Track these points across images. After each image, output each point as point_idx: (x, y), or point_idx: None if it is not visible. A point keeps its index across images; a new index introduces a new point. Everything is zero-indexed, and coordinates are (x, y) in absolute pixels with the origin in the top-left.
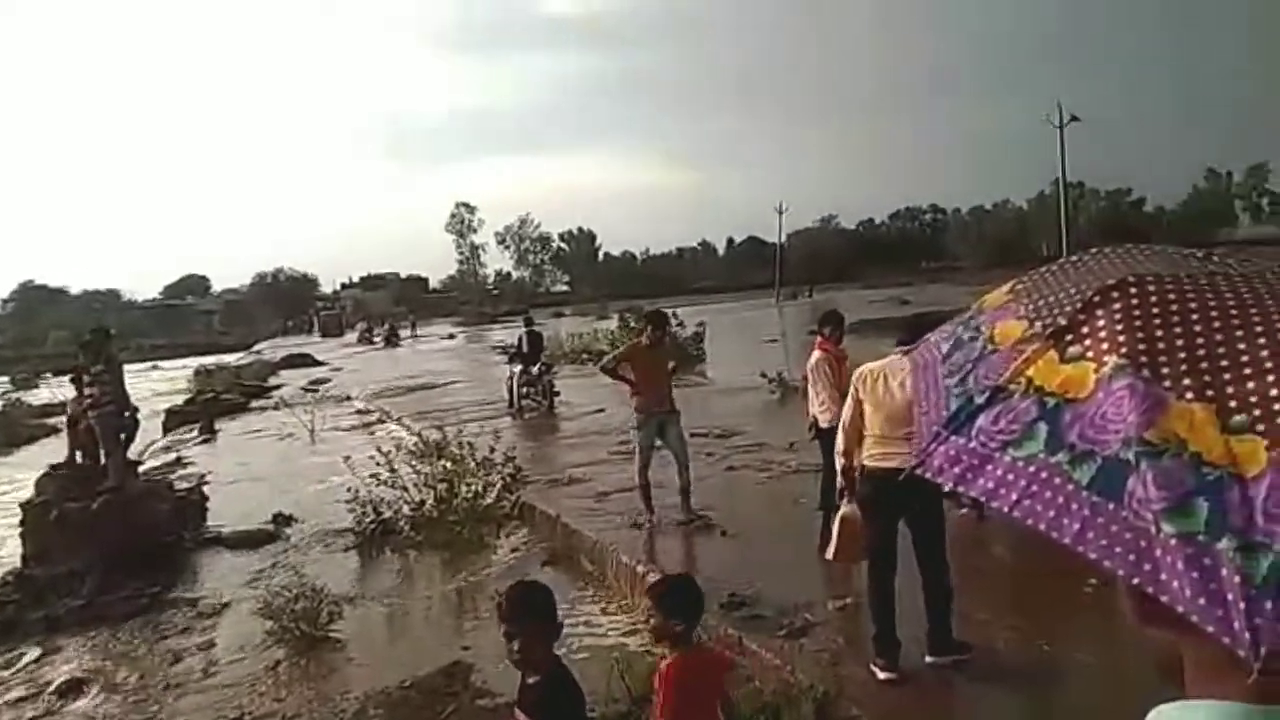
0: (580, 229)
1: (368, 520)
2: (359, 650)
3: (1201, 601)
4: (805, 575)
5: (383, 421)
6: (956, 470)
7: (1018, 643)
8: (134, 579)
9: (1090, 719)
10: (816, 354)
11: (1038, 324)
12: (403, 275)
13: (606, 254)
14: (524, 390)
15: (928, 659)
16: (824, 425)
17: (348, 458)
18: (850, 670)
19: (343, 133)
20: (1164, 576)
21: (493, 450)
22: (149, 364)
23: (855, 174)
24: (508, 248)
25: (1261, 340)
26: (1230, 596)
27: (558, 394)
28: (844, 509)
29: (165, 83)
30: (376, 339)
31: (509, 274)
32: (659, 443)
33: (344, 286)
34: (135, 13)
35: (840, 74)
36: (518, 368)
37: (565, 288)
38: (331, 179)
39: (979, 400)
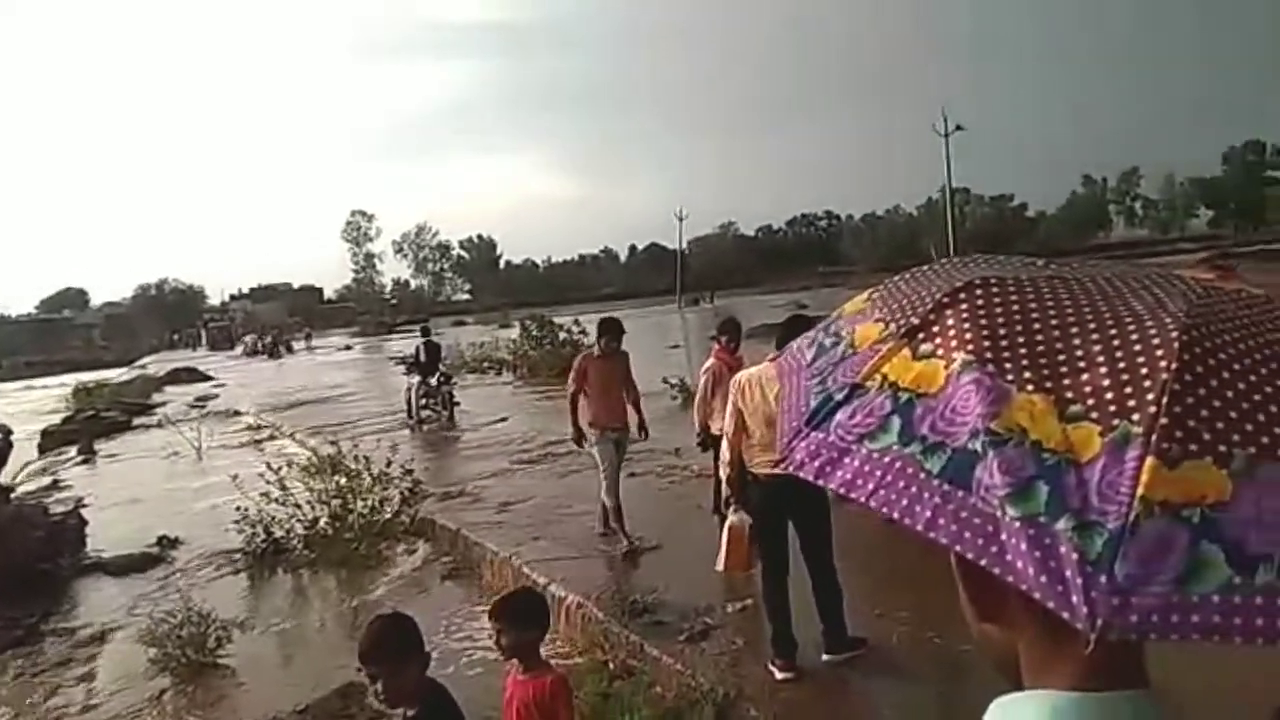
0: (481, 236)
1: (258, 540)
2: (250, 675)
3: (1043, 579)
4: (706, 579)
5: (274, 437)
6: (817, 464)
7: (911, 637)
8: (7, 609)
9: (979, 710)
10: (711, 361)
11: (892, 325)
12: (296, 285)
13: (508, 262)
14: (423, 401)
15: (824, 657)
16: (715, 432)
17: (236, 476)
18: (749, 671)
19: (233, 140)
20: (1009, 557)
21: (390, 463)
22: (23, 382)
23: (753, 182)
24: (405, 256)
25: (1094, 336)
26: (1069, 573)
27: (458, 404)
28: (731, 518)
29: (35, 88)
30: (263, 351)
31: (407, 283)
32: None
33: (233, 298)
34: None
35: (739, 83)
36: (416, 379)
37: (466, 296)
38: (220, 187)
39: (838, 397)
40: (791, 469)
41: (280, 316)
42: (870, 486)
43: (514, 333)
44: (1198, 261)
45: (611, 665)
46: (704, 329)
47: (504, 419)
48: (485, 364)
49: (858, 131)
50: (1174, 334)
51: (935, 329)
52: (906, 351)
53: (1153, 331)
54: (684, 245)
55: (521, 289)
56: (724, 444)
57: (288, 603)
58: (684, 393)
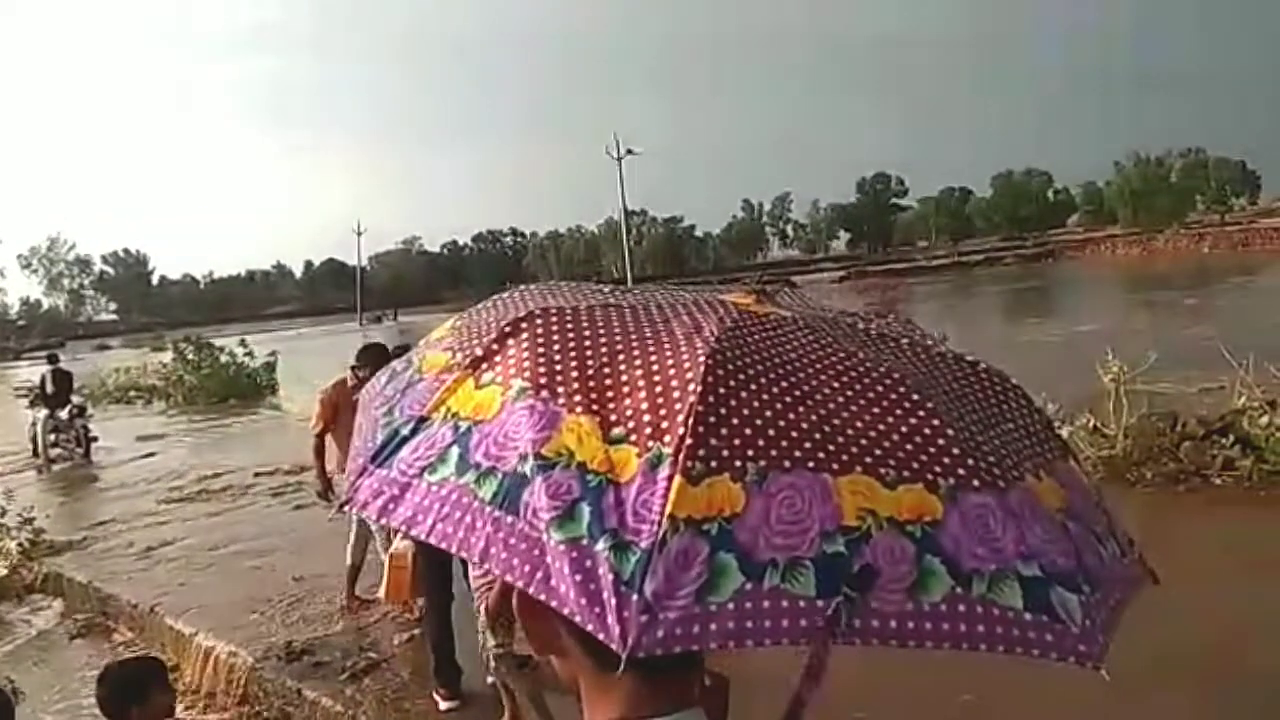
0: (128, 250)
1: None
2: None
3: (583, 602)
4: (370, 613)
5: None
6: (380, 502)
7: None
8: None
9: None
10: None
11: (459, 354)
12: None
13: (163, 278)
14: (51, 438)
15: (489, 680)
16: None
17: None
18: (414, 704)
19: None
20: (553, 582)
21: (3, 512)
22: None
23: (439, 198)
24: (35, 272)
25: (638, 361)
26: (605, 594)
27: (95, 439)
28: (393, 546)
29: None
30: None
31: (38, 302)
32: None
33: None
34: None
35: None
36: (43, 412)
37: (112, 316)
38: None
39: (404, 432)
40: (355, 509)
41: None
42: (430, 521)
43: (167, 356)
44: (743, 286)
45: (265, 715)
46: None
47: (152, 454)
48: (132, 392)
49: (544, 152)
50: (702, 359)
51: (497, 358)
52: (470, 382)
53: (685, 357)
54: (365, 261)
55: (179, 307)
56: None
57: None
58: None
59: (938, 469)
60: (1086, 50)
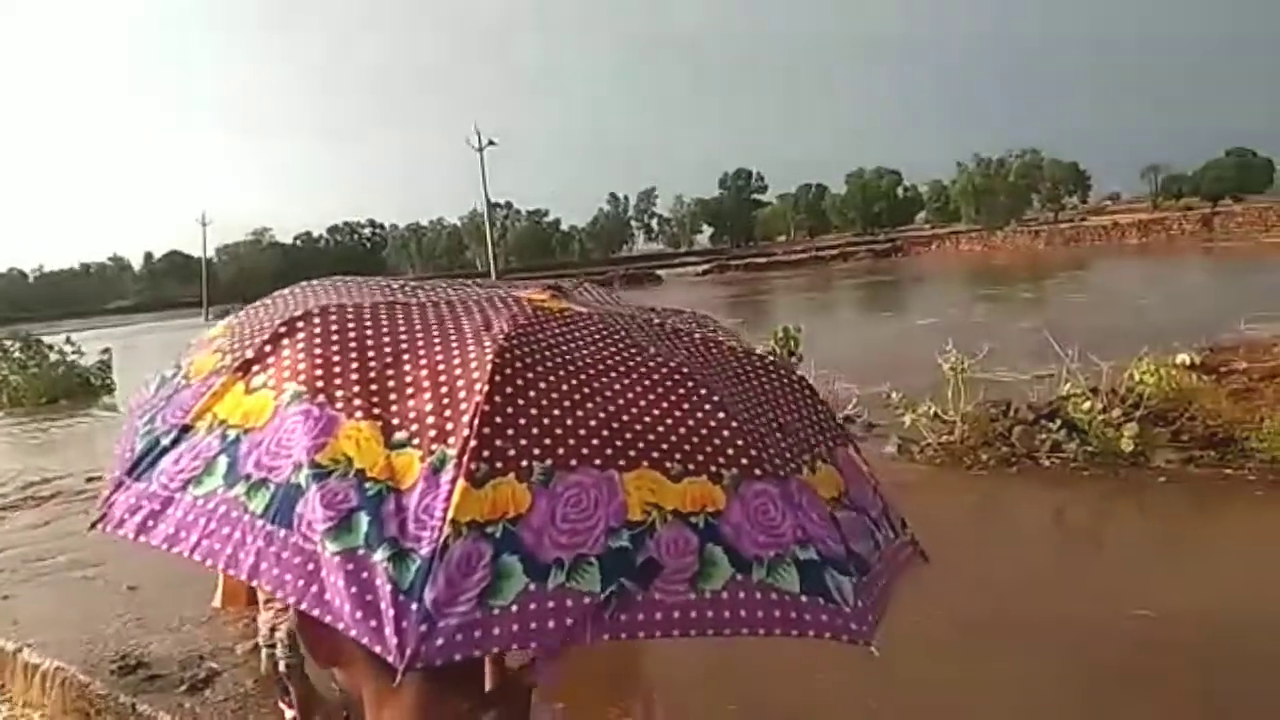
0: None
1: None
2: None
3: (359, 615)
4: (211, 622)
5: None
6: (138, 519)
7: None
8: None
9: None
10: None
11: (228, 357)
12: None
13: None
14: None
15: (334, 685)
16: None
17: None
18: (258, 714)
19: None
20: (328, 596)
21: None
22: None
23: (292, 190)
24: None
25: (423, 361)
26: (383, 605)
27: None
28: None
29: None
30: None
31: None
32: None
33: None
34: None
35: (280, 85)
36: None
37: None
38: None
39: (165, 442)
40: (109, 528)
41: None
42: (194, 538)
43: None
44: (538, 283)
45: None
46: None
47: None
48: None
49: (405, 143)
50: (489, 358)
51: (270, 360)
52: (240, 386)
53: (472, 354)
54: (212, 253)
55: (3, 303)
56: None
57: None
58: None
59: (722, 460)
60: (938, 54)
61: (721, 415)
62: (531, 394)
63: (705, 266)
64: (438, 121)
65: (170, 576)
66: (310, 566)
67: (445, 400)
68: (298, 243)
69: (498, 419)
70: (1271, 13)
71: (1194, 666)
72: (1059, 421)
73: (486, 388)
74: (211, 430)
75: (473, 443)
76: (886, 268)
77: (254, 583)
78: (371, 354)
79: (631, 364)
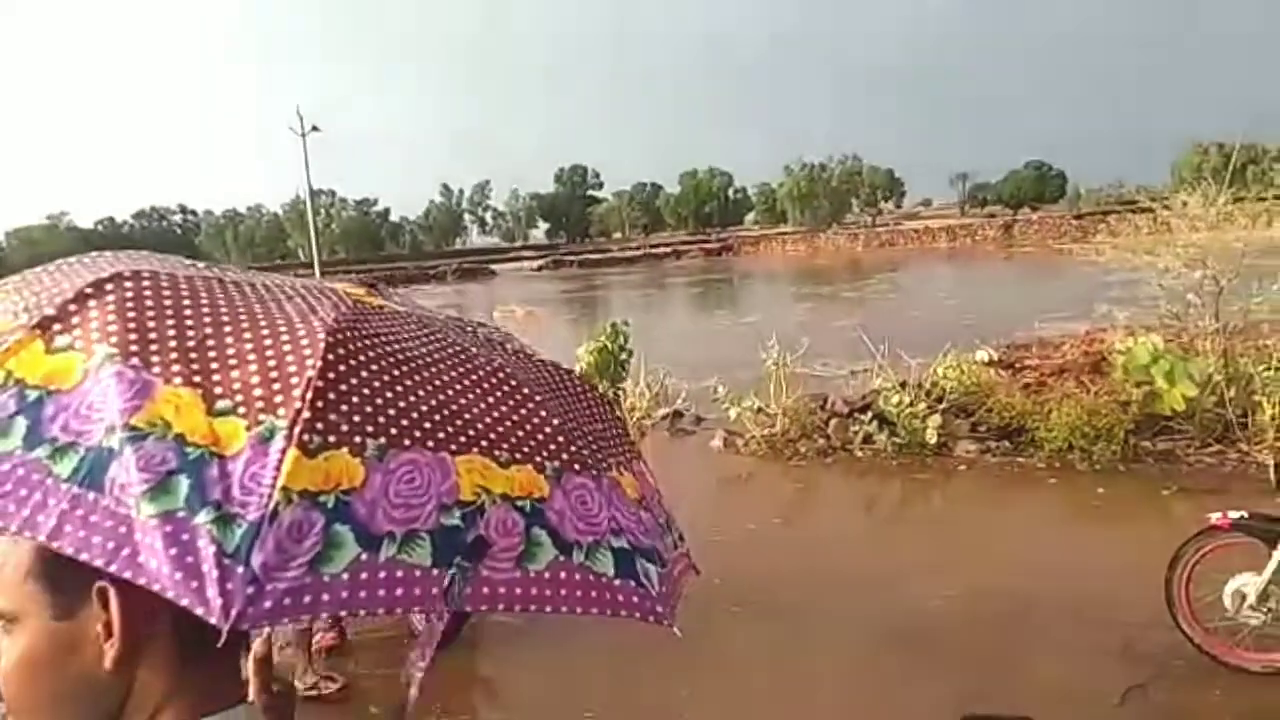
0: None
1: None
2: None
3: (179, 576)
4: None
5: None
6: None
7: None
8: None
9: None
10: None
11: (24, 315)
12: None
13: None
14: None
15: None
16: None
17: None
18: None
19: None
20: (143, 558)
21: None
22: None
23: (87, 170)
24: None
25: (246, 335)
26: (206, 566)
27: None
28: None
29: None
30: None
31: None
32: None
33: None
34: None
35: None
36: None
37: None
38: None
39: None
40: None
41: None
42: None
43: None
44: (353, 280)
45: None
46: None
47: None
48: None
49: (222, 126)
50: (321, 336)
51: (75, 320)
52: (39, 344)
53: (302, 334)
54: (0, 237)
55: None
56: None
57: None
58: None
59: (545, 453)
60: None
61: (543, 414)
62: (364, 375)
63: (540, 262)
64: (256, 104)
65: None
66: (123, 530)
67: (274, 374)
68: (99, 228)
69: (331, 395)
70: (1064, 33)
71: (973, 632)
72: (871, 414)
73: (320, 364)
74: (5, 388)
75: (305, 414)
76: (717, 266)
77: (55, 544)
78: (190, 323)
79: (457, 360)
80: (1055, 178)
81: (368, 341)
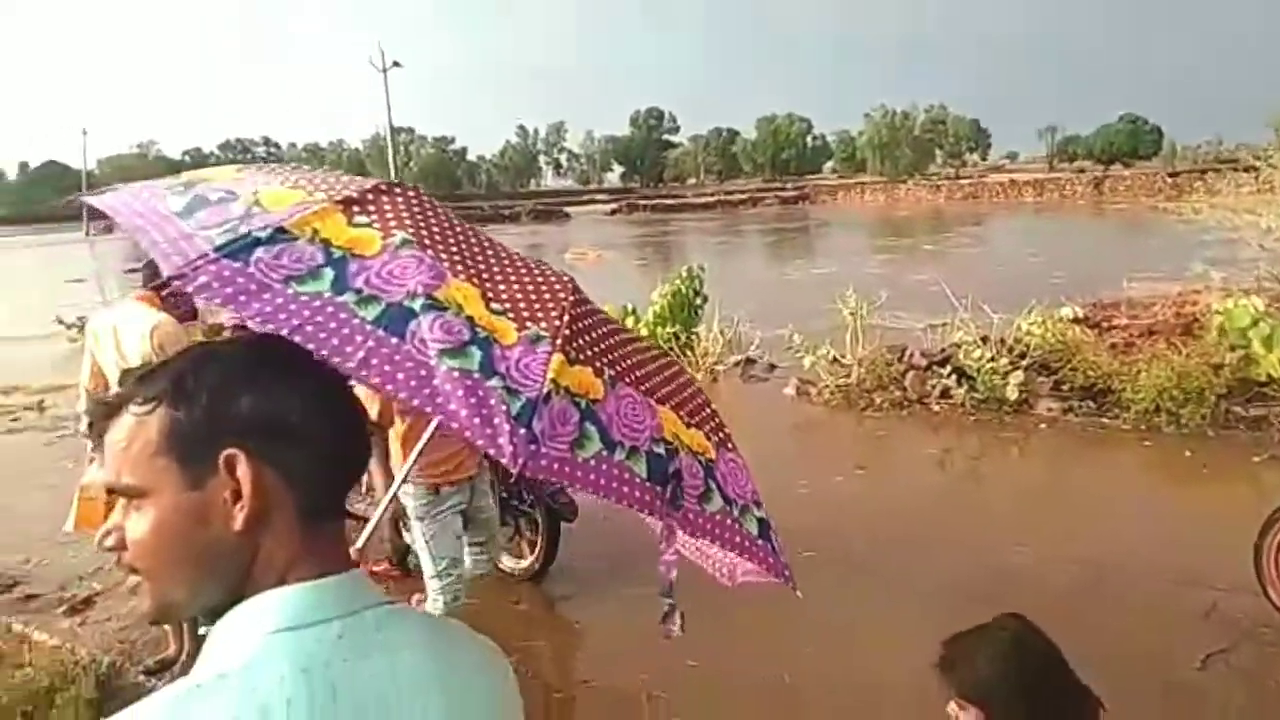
0: None
1: None
2: None
3: (477, 421)
4: (89, 544)
5: None
6: (229, 290)
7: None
8: None
9: None
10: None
11: (319, 194)
12: None
13: None
14: None
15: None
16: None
17: None
18: (141, 634)
19: None
20: (441, 400)
21: None
22: None
23: (177, 101)
24: None
25: (505, 261)
26: (498, 420)
27: None
28: (86, 476)
29: None
30: None
31: None
32: None
33: None
34: None
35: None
36: None
37: None
38: None
39: (260, 237)
40: (191, 289)
41: None
42: (295, 323)
43: None
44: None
45: None
46: (118, 260)
47: None
48: None
49: (303, 59)
50: (567, 280)
51: (372, 207)
52: (341, 216)
53: (551, 275)
54: (94, 165)
55: None
56: (82, 394)
57: None
58: (84, 334)
59: (709, 427)
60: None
61: (703, 399)
62: (591, 322)
63: (613, 206)
64: (337, 40)
65: (47, 496)
66: (424, 373)
67: (533, 297)
68: (186, 157)
69: (578, 326)
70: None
71: (1053, 591)
72: (950, 368)
73: (569, 301)
74: (313, 242)
75: (565, 333)
76: (793, 215)
77: (361, 374)
78: (460, 236)
79: (639, 345)
80: (1150, 133)
81: (593, 308)
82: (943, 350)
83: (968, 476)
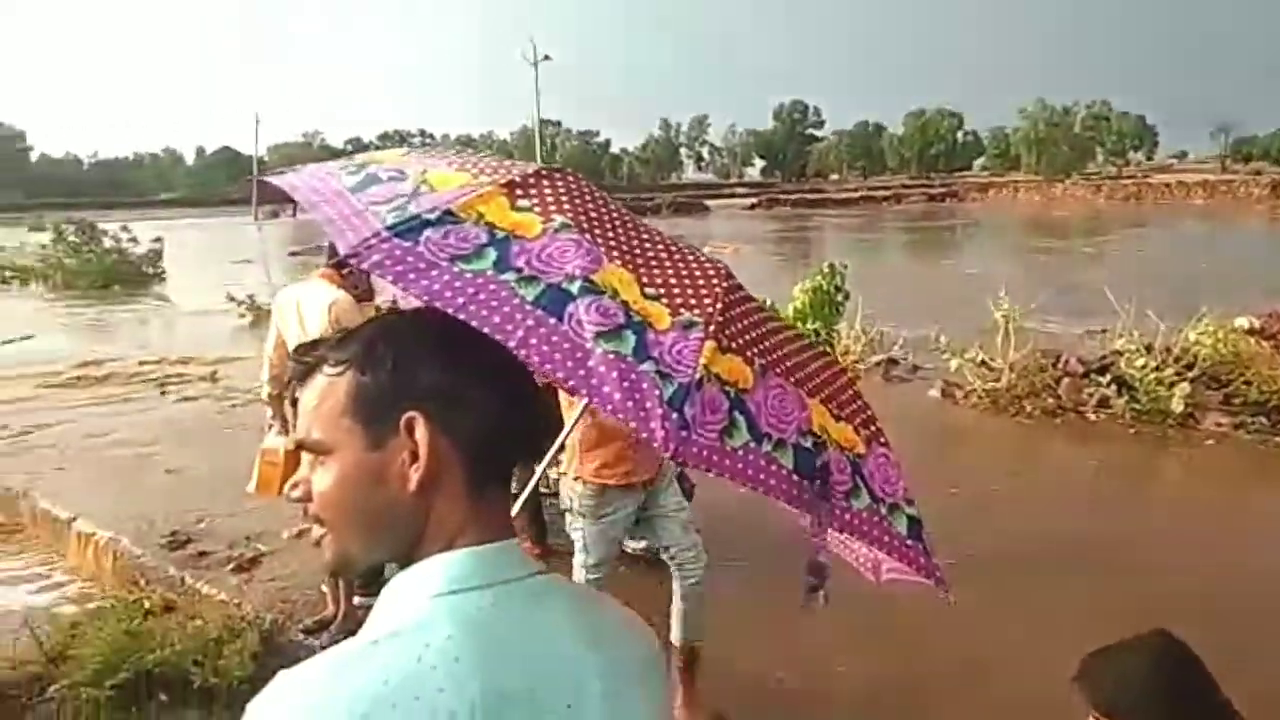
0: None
1: None
2: None
3: (629, 404)
4: (260, 506)
5: None
6: (399, 268)
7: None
8: None
9: None
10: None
11: (483, 176)
12: None
13: (43, 155)
14: None
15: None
16: None
17: None
18: (303, 595)
19: None
20: (595, 382)
21: None
22: None
23: (342, 92)
24: None
25: (661, 251)
26: (650, 404)
27: None
28: (266, 441)
29: None
30: None
31: None
32: None
33: None
34: None
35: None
36: None
37: None
38: None
39: (428, 217)
40: (365, 265)
41: None
42: (460, 300)
43: (45, 237)
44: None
45: (147, 603)
46: (281, 243)
47: (28, 337)
48: (8, 272)
49: (456, 53)
50: (722, 268)
51: (534, 191)
52: (504, 200)
53: (708, 266)
54: (263, 152)
55: (61, 187)
56: (265, 363)
57: None
58: (255, 311)
59: (859, 420)
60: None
61: (853, 390)
62: (743, 310)
63: (753, 200)
64: (491, 32)
65: (217, 462)
66: (579, 355)
67: (687, 283)
68: (348, 147)
69: (731, 314)
70: None
71: (1216, 615)
72: (1109, 377)
73: (722, 290)
74: (478, 224)
75: (718, 320)
76: (940, 212)
77: (521, 353)
78: (616, 221)
79: (793, 335)
80: None
81: (746, 295)
82: (1102, 358)
83: (1128, 490)
